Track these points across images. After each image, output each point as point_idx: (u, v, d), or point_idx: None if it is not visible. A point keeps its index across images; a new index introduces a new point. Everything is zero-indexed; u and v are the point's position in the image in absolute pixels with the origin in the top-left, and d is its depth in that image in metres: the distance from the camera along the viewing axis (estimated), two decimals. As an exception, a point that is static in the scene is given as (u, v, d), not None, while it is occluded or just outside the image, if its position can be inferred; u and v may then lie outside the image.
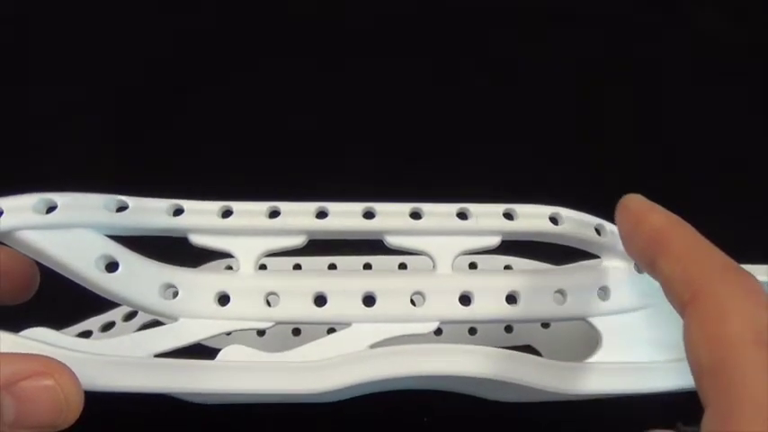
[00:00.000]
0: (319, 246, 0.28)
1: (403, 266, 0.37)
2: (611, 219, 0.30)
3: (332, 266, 0.36)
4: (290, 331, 0.35)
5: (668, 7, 0.56)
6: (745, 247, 0.32)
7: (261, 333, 0.35)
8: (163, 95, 0.50)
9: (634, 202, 0.25)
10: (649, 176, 0.47)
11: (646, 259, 0.23)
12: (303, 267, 0.36)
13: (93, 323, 0.35)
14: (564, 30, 0.55)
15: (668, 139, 0.49)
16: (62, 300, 0.29)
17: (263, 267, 0.30)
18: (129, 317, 0.35)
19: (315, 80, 0.52)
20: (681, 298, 0.21)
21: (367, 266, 0.37)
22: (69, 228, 0.24)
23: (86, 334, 0.35)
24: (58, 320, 0.25)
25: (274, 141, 0.48)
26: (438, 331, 0.33)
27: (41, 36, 0.53)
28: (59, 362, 0.22)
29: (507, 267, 0.36)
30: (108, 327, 0.35)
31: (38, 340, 0.24)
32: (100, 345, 0.25)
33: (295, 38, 0.54)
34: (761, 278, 0.22)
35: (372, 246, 0.27)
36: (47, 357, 0.22)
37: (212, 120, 0.50)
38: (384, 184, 0.27)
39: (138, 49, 0.53)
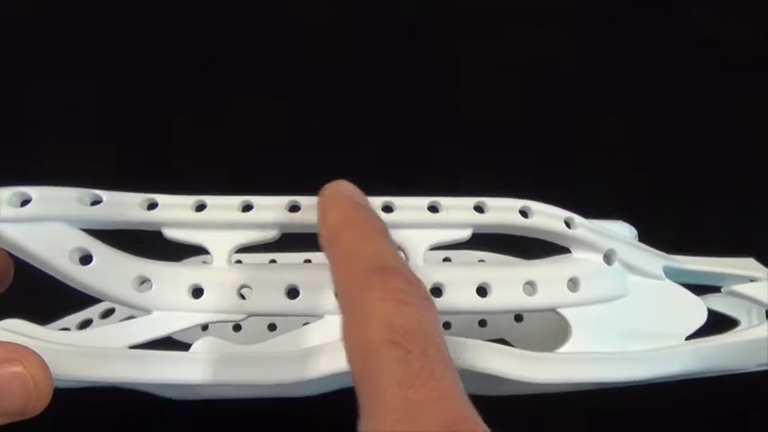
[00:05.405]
0: (296, 242, 0.28)
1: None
2: (612, 218, 0.31)
3: (307, 262, 0.36)
4: (266, 326, 0.35)
5: (668, 7, 0.56)
6: (744, 246, 0.33)
7: (237, 328, 0.35)
8: (162, 95, 0.51)
9: (328, 191, 0.25)
10: (649, 176, 0.48)
11: (326, 255, 0.24)
12: (278, 263, 0.36)
13: (71, 320, 0.36)
14: (564, 30, 0.55)
15: (668, 138, 0.50)
16: (41, 297, 0.29)
17: (238, 263, 0.30)
18: (107, 314, 0.35)
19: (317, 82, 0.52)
20: (339, 303, 0.22)
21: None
22: (43, 221, 0.25)
23: (64, 331, 0.35)
24: (37, 318, 0.25)
25: (274, 141, 0.49)
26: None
27: (41, 36, 0.53)
28: (29, 349, 0.22)
29: (480, 262, 0.36)
30: (85, 324, 0.35)
31: (10, 330, 0.24)
32: (73, 336, 0.25)
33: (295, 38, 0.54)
34: None
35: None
36: (16, 344, 0.22)
37: (212, 119, 0.50)
38: (385, 187, 0.27)
39: (138, 49, 0.53)
